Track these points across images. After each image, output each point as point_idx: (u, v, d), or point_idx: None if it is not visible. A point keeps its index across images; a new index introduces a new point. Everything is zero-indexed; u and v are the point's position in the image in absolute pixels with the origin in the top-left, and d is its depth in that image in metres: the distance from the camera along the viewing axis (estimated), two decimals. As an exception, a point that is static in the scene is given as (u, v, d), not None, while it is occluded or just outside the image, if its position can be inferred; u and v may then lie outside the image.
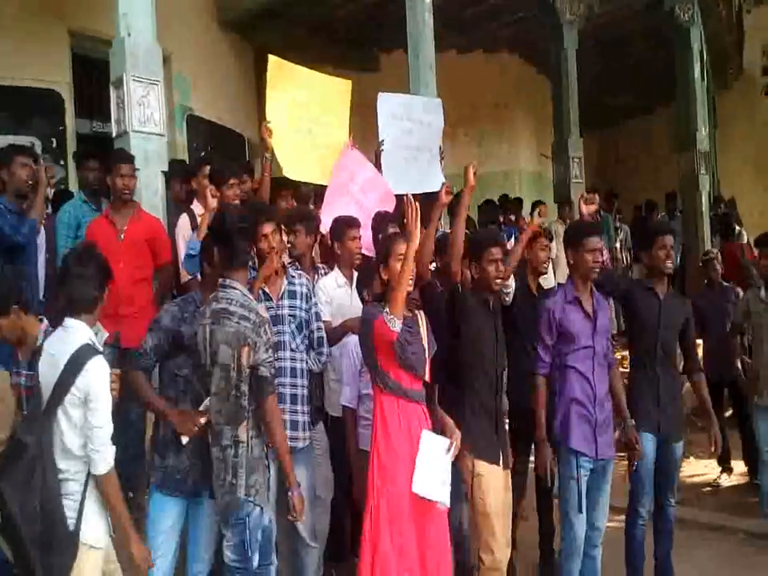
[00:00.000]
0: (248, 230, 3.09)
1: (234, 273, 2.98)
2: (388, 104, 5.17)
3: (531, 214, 9.12)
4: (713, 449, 4.06)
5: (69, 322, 2.65)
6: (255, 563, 2.93)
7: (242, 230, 3.02)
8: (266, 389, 2.92)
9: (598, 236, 3.72)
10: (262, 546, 2.95)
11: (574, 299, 3.67)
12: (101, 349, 2.70)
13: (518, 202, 9.42)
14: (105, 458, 2.60)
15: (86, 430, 2.57)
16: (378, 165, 4.97)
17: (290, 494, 3.00)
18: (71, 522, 2.57)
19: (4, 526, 2.47)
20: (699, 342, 5.73)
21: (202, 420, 2.95)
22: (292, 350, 3.47)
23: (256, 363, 2.89)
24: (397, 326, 3.00)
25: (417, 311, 3.26)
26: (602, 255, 3.74)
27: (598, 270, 3.66)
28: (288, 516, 3.05)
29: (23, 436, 2.53)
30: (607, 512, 3.73)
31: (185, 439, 3.02)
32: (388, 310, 3.01)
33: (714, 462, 5.96)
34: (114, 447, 2.63)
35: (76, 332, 2.62)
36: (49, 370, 2.60)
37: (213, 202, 3.99)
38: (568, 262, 3.76)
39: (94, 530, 2.64)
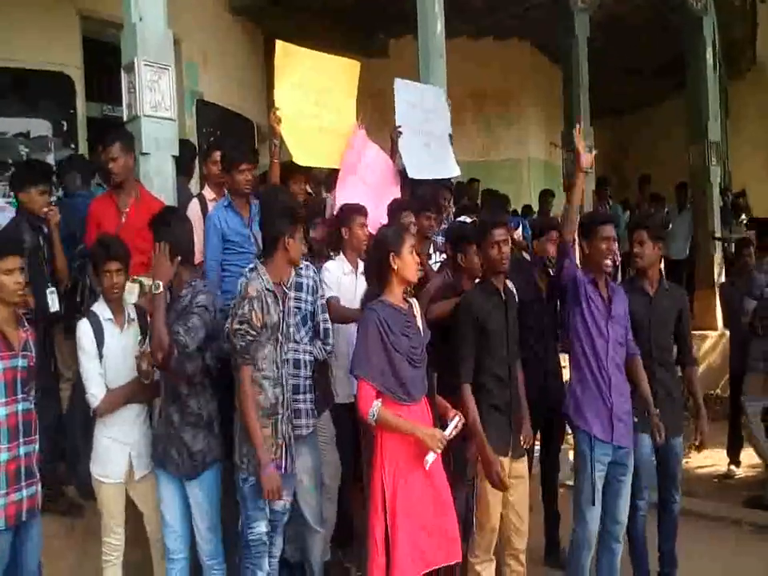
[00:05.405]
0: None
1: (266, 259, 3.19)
2: (404, 90, 5.17)
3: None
4: (697, 443, 4.01)
5: None
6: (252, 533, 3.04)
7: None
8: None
9: (611, 224, 3.68)
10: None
11: (592, 280, 3.62)
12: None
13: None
14: None
15: None
16: (393, 148, 4.98)
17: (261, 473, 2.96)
18: None
19: None
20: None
21: None
22: (295, 341, 3.47)
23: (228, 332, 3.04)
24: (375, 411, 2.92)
25: (411, 299, 3.21)
26: (615, 244, 3.68)
27: (611, 259, 3.62)
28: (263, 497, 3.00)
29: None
30: (629, 504, 3.65)
31: None
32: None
33: (722, 453, 5.96)
34: None
35: None
36: None
37: None
38: (582, 252, 3.73)
39: None
